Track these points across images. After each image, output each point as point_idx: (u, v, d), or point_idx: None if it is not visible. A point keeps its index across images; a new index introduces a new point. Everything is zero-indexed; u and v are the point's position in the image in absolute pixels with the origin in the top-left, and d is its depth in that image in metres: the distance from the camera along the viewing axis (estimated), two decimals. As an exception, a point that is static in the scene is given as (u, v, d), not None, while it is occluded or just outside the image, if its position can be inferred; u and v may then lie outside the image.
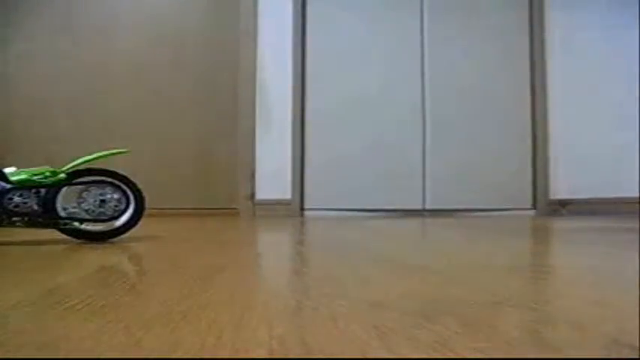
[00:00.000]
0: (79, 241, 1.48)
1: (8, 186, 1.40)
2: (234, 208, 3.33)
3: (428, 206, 3.40)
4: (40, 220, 1.44)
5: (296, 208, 3.31)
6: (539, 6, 3.52)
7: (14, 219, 1.42)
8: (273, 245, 1.56)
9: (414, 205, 3.39)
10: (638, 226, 2.13)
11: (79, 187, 1.47)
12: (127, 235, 1.53)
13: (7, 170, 1.44)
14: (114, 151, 1.57)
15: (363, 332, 0.51)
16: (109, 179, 1.50)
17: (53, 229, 1.46)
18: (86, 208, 1.47)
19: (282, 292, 0.78)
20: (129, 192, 1.52)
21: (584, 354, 0.45)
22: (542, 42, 3.51)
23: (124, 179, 1.52)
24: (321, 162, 3.37)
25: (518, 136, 3.50)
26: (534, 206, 3.46)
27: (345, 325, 0.55)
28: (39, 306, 0.66)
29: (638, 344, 0.47)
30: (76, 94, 3.52)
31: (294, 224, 2.47)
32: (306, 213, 3.33)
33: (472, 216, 3.28)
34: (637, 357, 0.44)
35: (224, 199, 3.38)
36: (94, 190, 1.48)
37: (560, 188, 3.43)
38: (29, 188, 1.42)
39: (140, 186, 1.55)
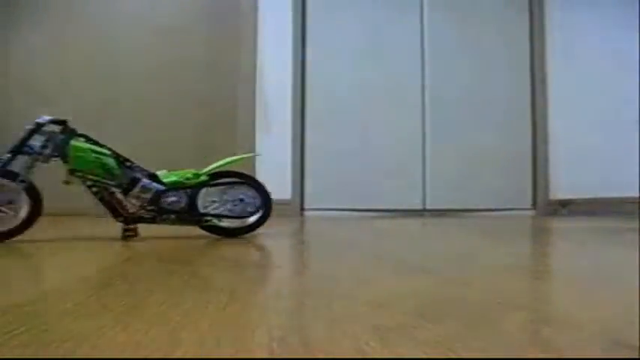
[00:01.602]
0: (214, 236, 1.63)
1: (163, 187, 1.57)
2: (234, 208, 3.33)
3: (428, 206, 3.40)
4: (186, 217, 1.59)
5: (296, 208, 3.31)
6: (540, 5, 3.53)
7: (164, 217, 1.58)
8: (273, 245, 1.56)
9: (414, 205, 3.39)
10: (638, 226, 2.13)
11: (219, 187, 1.63)
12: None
13: (159, 173, 1.61)
14: (247, 155, 1.81)
15: (363, 332, 0.51)
16: (244, 180, 1.66)
17: (194, 226, 1.62)
18: (226, 206, 1.62)
19: (282, 292, 0.78)
20: (260, 192, 1.66)
21: (585, 354, 0.45)
22: (542, 42, 3.51)
23: (254, 181, 1.69)
24: (320, 162, 3.37)
25: (518, 136, 3.50)
26: (534, 206, 3.46)
27: (346, 325, 0.55)
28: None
29: (638, 344, 0.47)
30: (76, 94, 3.52)
31: (294, 224, 2.47)
32: (306, 213, 3.33)
33: (472, 216, 3.28)
34: (637, 357, 0.44)
35: (224, 199, 3.38)
36: (234, 191, 1.63)
37: (560, 188, 3.43)
38: (179, 189, 1.58)
39: None
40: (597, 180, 3.34)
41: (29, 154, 1.48)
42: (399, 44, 3.48)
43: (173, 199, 1.57)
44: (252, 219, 1.65)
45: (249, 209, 1.63)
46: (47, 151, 1.49)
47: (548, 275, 0.98)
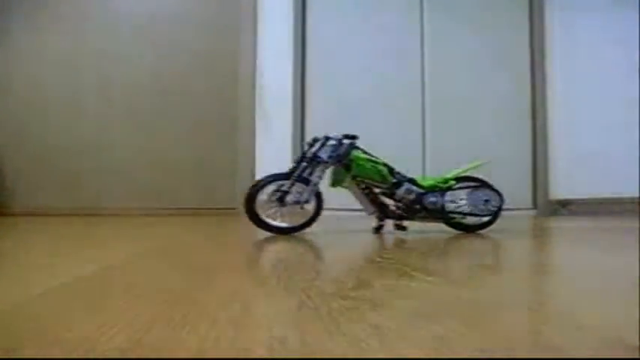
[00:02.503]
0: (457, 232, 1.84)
1: (422, 190, 1.82)
2: (234, 208, 3.33)
3: (428, 206, 3.39)
4: (438, 215, 1.82)
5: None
6: (539, 5, 3.53)
7: (417, 214, 1.82)
8: (272, 245, 1.56)
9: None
10: (638, 226, 2.13)
11: (465, 189, 1.84)
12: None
13: (416, 178, 1.86)
14: (482, 162, 1.94)
15: (363, 332, 0.51)
16: (481, 184, 1.86)
17: (440, 222, 1.85)
18: (472, 205, 1.81)
19: (282, 292, 0.78)
20: (497, 194, 1.85)
21: (585, 354, 0.45)
22: (542, 41, 3.51)
23: (488, 184, 1.88)
24: (321, 162, 3.37)
25: (518, 136, 3.50)
26: (534, 206, 3.46)
27: (345, 325, 0.55)
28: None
29: (638, 344, 0.47)
30: (76, 95, 3.52)
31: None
32: (306, 213, 3.32)
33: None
34: (637, 357, 0.44)
35: (224, 199, 3.38)
36: (479, 192, 1.84)
37: (560, 188, 3.43)
38: (435, 191, 1.82)
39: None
40: (597, 180, 3.34)
41: (319, 163, 1.77)
42: (399, 45, 3.48)
43: (433, 199, 1.81)
44: (487, 218, 1.85)
45: (492, 208, 1.83)
46: (332, 161, 1.78)
47: (548, 275, 0.98)
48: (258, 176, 3.38)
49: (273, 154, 3.35)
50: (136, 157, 3.41)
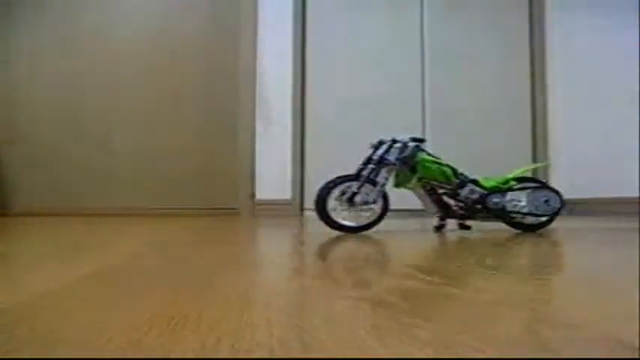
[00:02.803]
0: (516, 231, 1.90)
1: (485, 191, 1.87)
2: (234, 208, 3.34)
3: (428, 206, 3.39)
4: (499, 214, 1.88)
5: (296, 208, 3.31)
6: (540, 5, 3.53)
7: (477, 214, 1.89)
8: (273, 245, 1.56)
9: (414, 205, 3.38)
10: (638, 226, 2.13)
11: (526, 190, 1.89)
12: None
13: (479, 178, 1.90)
14: (542, 164, 1.93)
15: (363, 332, 0.51)
16: (541, 185, 1.95)
17: (499, 222, 1.90)
18: (532, 205, 1.86)
19: (282, 292, 0.78)
20: (557, 194, 1.91)
21: (585, 354, 0.45)
22: (543, 42, 3.51)
23: (547, 184, 1.98)
24: (321, 162, 3.37)
25: (519, 136, 3.50)
26: (534, 206, 3.46)
27: (345, 325, 0.55)
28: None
29: (638, 344, 0.47)
30: (76, 96, 3.52)
31: (294, 224, 2.47)
32: (306, 213, 3.33)
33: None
34: (637, 357, 0.44)
35: (224, 199, 3.38)
36: (539, 193, 1.89)
37: (561, 188, 3.43)
38: (497, 192, 1.87)
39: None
40: (597, 180, 3.34)
41: (386, 165, 1.84)
42: (399, 45, 3.48)
43: (496, 200, 1.87)
44: (545, 217, 1.91)
45: (554, 208, 1.88)
46: (399, 163, 1.84)
47: (548, 275, 0.98)
48: (259, 177, 3.39)
49: (273, 155, 3.36)
50: (136, 158, 3.41)
